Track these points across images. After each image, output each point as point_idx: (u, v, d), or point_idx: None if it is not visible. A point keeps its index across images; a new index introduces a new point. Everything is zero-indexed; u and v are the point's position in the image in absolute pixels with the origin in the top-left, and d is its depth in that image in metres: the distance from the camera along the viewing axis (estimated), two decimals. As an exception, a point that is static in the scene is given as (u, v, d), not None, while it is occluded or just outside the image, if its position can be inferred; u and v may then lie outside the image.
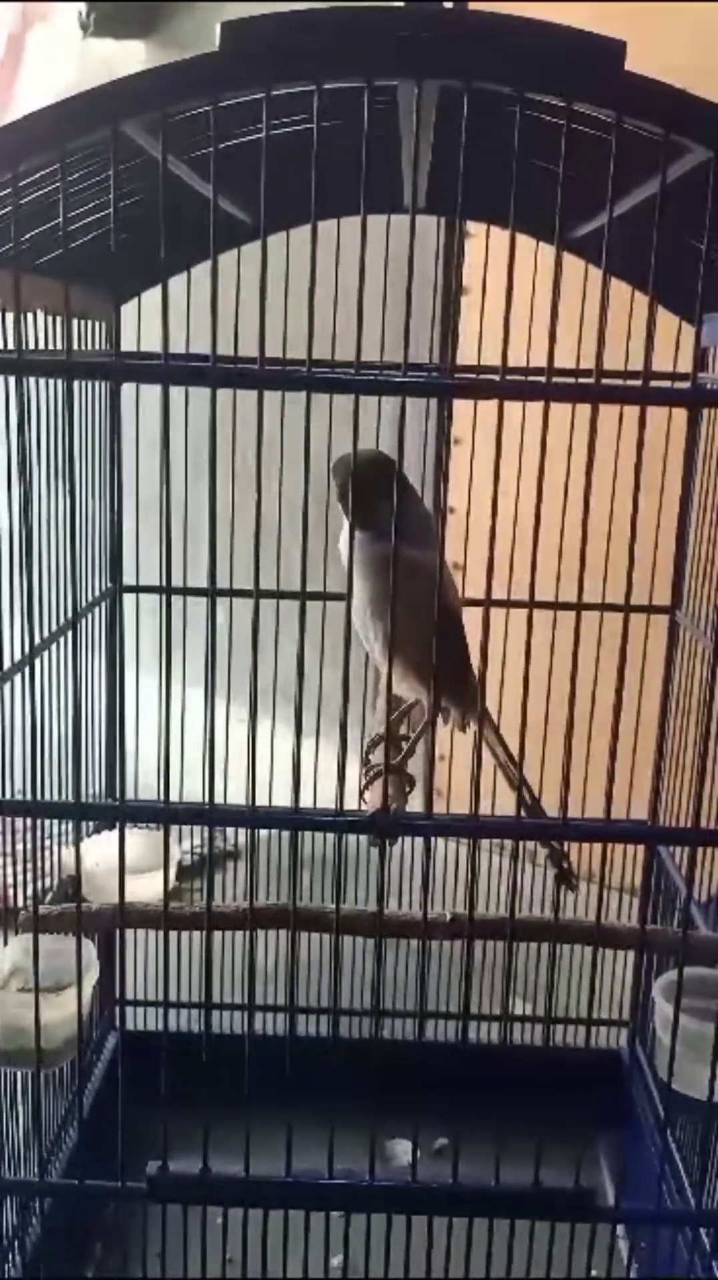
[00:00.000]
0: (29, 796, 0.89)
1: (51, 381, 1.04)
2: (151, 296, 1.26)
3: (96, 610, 1.40)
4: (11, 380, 0.82)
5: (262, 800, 0.90)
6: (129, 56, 2.52)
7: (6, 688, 0.99)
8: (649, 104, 0.71)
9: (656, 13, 1.81)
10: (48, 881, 1.27)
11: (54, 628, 1.12)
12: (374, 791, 1.02)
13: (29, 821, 0.93)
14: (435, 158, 0.99)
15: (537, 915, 1.04)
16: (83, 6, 2.50)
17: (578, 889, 1.02)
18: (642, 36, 0.71)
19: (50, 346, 1.08)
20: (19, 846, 1.02)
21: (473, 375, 1.33)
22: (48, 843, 1.18)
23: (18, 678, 0.99)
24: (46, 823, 1.00)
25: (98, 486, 1.37)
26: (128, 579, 1.44)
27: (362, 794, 1.06)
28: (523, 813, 1.05)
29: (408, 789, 1.09)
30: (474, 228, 1.28)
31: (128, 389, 1.36)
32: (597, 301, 0.77)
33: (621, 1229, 1.35)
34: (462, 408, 1.01)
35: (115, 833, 0.89)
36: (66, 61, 2.58)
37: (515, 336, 0.78)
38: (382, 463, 1.03)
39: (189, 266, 1.14)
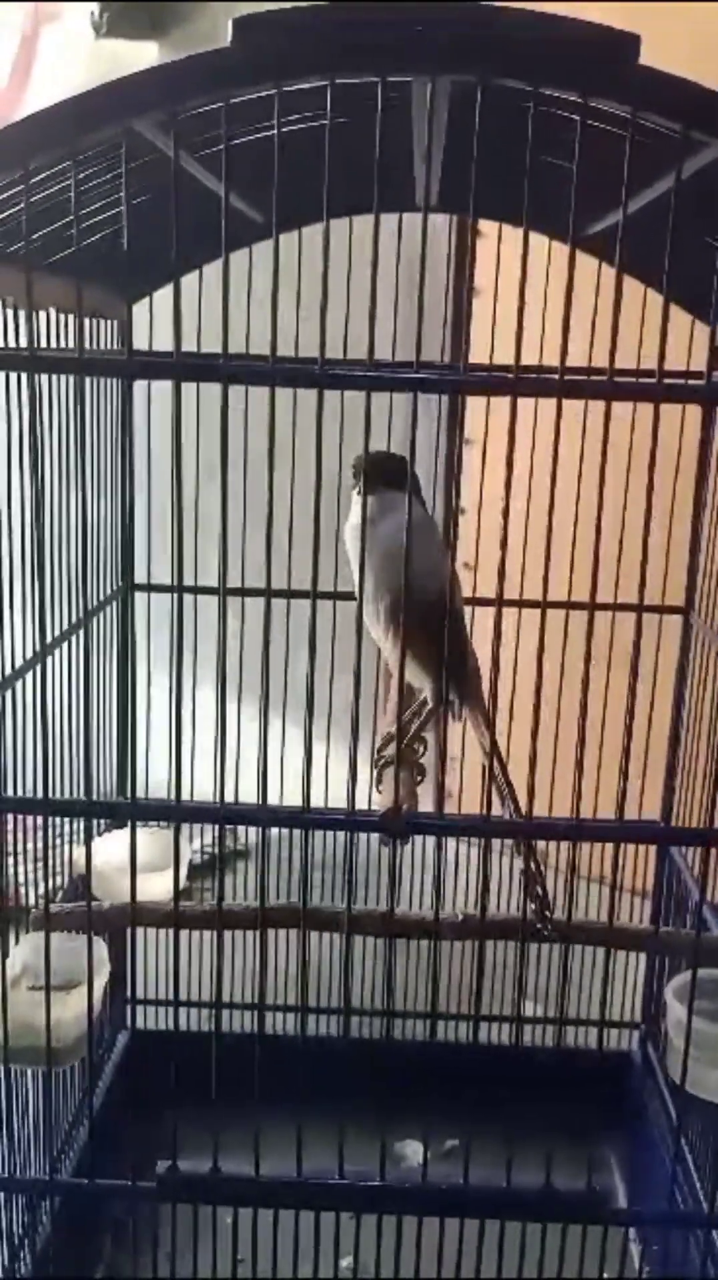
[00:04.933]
0: (40, 795, 0.89)
1: (63, 379, 1.04)
2: (163, 295, 1.25)
3: (108, 609, 1.40)
4: (24, 377, 0.82)
5: (273, 799, 0.90)
6: (141, 57, 2.52)
7: (18, 686, 0.99)
8: (665, 98, 0.70)
9: (654, 13, 1.80)
10: (58, 880, 1.27)
11: (65, 626, 1.12)
12: (387, 788, 1.01)
13: (40, 820, 0.93)
14: (447, 155, 0.98)
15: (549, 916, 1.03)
16: (95, 7, 2.50)
17: (553, 938, 0.99)
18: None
19: (62, 344, 1.08)
20: (30, 845, 1.02)
21: (486, 373, 1.33)
22: (58, 841, 1.18)
23: (29, 676, 0.99)
24: (57, 821, 1.00)
25: (109, 485, 1.37)
26: (139, 577, 1.44)
27: (374, 785, 1.05)
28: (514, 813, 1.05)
29: (419, 778, 1.09)
30: (485, 226, 1.28)
31: (139, 387, 1.36)
32: (610, 299, 0.77)
33: (632, 1231, 1.34)
34: (473, 408, 1.00)
35: (126, 831, 0.89)
36: (78, 62, 2.58)
37: (527, 335, 0.78)
38: (396, 457, 1.04)
39: (201, 265, 1.14)
